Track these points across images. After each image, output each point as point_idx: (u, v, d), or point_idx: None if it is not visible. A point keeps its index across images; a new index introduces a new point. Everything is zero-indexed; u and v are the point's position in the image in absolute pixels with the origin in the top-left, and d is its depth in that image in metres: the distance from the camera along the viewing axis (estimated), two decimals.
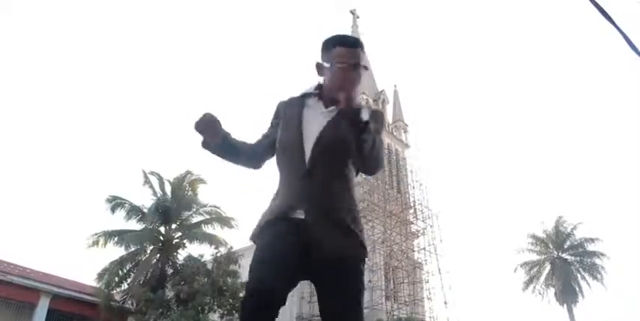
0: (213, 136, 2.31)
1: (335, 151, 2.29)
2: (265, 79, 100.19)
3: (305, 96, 2.47)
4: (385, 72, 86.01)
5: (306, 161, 2.27)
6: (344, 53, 2.32)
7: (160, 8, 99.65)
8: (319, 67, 2.42)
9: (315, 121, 2.34)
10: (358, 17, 50.65)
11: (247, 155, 2.48)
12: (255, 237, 2.32)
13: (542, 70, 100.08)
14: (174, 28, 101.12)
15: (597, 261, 36.11)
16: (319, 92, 2.43)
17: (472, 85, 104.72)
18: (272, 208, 2.32)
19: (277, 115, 2.53)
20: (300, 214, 2.22)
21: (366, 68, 2.34)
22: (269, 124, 2.57)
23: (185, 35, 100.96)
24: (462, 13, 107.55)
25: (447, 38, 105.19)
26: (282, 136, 2.40)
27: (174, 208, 24.33)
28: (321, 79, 2.45)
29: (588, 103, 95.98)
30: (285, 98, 2.56)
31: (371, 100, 42.27)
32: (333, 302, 2.17)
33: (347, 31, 47.92)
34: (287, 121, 2.42)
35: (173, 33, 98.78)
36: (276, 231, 2.21)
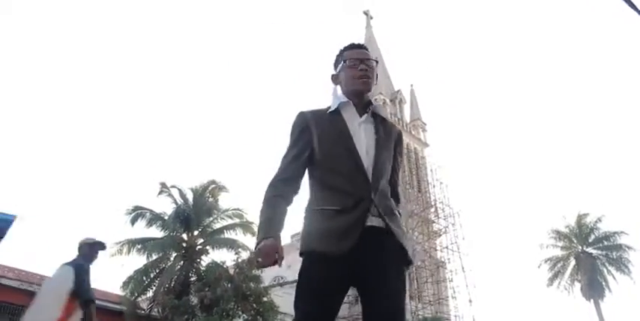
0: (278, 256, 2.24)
1: (388, 168, 2.52)
2: (279, 80, 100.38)
3: (340, 108, 2.56)
4: (401, 72, 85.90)
5: (368, 175, 2.38)
6: (351, 53, 2.66)
7: (168, 10, 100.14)
8: (334, 78, 2.74)
9: (356, 134, 2.48)
10: (372, 18, 50.75)
11: (290, 199, 2.49)
12: (308, 248, 2.35)
13: (561, 65, 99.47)
14: (188, 33, 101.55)
15: (624, 254, 35.71)
16: (348, 101, 2.58)
17: (490, 82, 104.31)
18: (336, 227, 2.30)
19: (305, 129, 2.54)
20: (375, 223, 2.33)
21: (376, 62, 2.68)
22: (294, 140, 2.56)
23: (199, 42, 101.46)
24: (477, 11, 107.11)
25: (463, 36, 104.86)
26: (332, 150, 2.46)
27: (196, 215, 24.41)
28: (338, 89, 2.70)
29: (607, 96, 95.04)
30: (307, 110, 2.64)
31: (388, 100, 42.22)
32: (382, 304, 2.24)
33: (361, 32, 47.98)
34: (330, 136, 2.48)
35: (190, 40, 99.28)
36: (330, 264, 2.25)
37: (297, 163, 2.49)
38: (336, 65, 2.72)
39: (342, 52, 2.70)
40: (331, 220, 2.31)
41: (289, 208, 2.46)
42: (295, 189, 2.49)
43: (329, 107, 2.59)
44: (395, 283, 2.28)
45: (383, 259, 2.28)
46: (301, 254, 2.34)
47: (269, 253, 2.20)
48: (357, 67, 2.59)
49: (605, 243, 36.50)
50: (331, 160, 2.43)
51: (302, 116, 2.60)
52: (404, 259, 2.37)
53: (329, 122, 2.51)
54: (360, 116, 2.54)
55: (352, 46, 2.71)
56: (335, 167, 2.42)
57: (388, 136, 2.57)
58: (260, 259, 2.22)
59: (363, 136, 2.47)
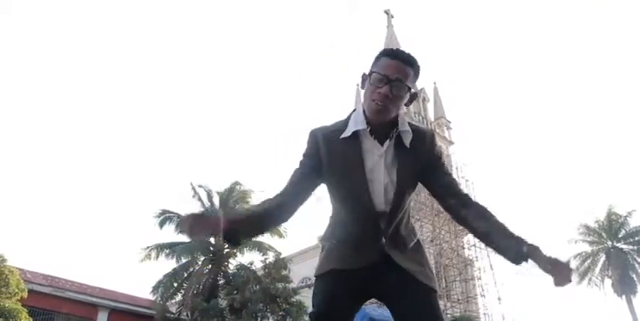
0: (212, 226, 1.95)
1: (406, 203, 2.24)
2: (303, 81, 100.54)
3: (357, 134, 2.16)
4: (424, 70, 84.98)
5: (377, 211, 2.16)
6: (386, 64, 2.09)
7: (184, 9, 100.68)
8: (363, 79, 2.17)
9: (375, 170, 2.15)
10: (393, 17, 50.46)
11: (282, 212, 2.19)
12: (317, 272, 2.32)
13: (589, 57, 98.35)
14: (203, 32, 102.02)
15: None
16: (365, 129, 2.14)
17: (514, 77, 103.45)
18: (338, 257, 2.26)
19: (316, 151, 2.21)
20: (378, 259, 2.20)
21: (409, 89, 2.09)
22: (303, 160, 2.26)
23: (219, 42, 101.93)
24: (501, 7, 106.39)
25: (486, 32, 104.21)
26: (343, 187, 2.21)
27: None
28: (361, 94, 2.22)
29: (633, 87, 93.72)
30: (320, 127, 2.27)
31: None
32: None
33: (382, 32, 47.87)
34: (342, 169, 2.16)
35: (218, 42, 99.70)
36: (342, 282, 2.21)
37: (305, 182, 2.22)
38: (371, 67, 2.14)
39: (379, 56, 2.14)
40: (341, 253, 2.26)
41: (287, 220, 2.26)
42: (287, 211, 2.20)
43: (345, 122, 2.21)
44: (424, 307, 2.18)
45: (396, 287, 2.20)
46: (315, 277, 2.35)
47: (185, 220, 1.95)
48: (381, 87, 2.04)
49: (637, 238, 35.96)
50: (343, 198, 2.25)
51: (313, 138, 2.23)
52: (419, 284, 2.20)
53: (341, 151, 2.16)
54: (382, 144, 2.15)
55: (389, 53, 2.12)
56: (347, 205, 2.24)
57: (415, 160, 2.18)
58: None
59: (382, 172, 2.15)
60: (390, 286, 2.20)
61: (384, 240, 2.19)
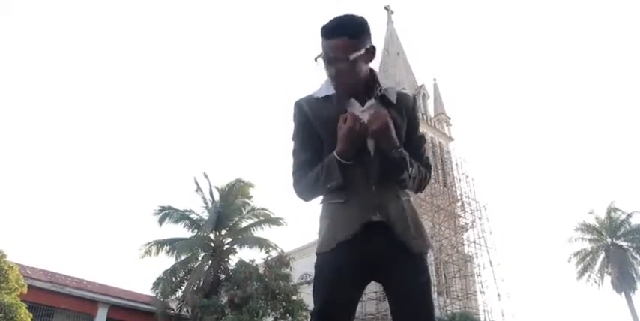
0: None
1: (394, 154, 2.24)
2: (298, 79, 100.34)
3: (331, 97, 2.28)
4: (424, 66, 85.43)
5: (367, 168, 2.22)
6: (324, 45, 2.17)
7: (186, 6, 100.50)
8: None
9: None
10: (393, 13, 50.46)
11: None
12: (323, 249, 2.25)
13: (589, 53, 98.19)
14: (213, 30, 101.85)
15: None
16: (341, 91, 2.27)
17: (514, 73, 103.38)
18: (340, 219, 2.23)
19: (305, 118, 2.32)
20: (375, 219, 2.19)
21: (348, 59, 2.12)
22: (301, 135, 2.35)
23: (226, 39, 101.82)
24: (500, 3, 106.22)
25: (486, 28, 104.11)
26: (332, 143, 2.21)
27: (224, 214, 24.56)
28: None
29: (635, 87, 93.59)
30: (303, 98, 2.38)
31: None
32: (407, 298, 2.15)
33: (382, 28, 47.75)
34: (326, 125, 2.24)
35: (216, 36, 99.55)
36: (343, 253, 2.18)
37: (317, 154, 2.29)
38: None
39: (320, 37, 2.20)
40: (333, 217, 2.25)
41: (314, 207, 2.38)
42: None
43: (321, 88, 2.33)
44: (411, 280, 2.17)
45: (391, 255, 2.18)
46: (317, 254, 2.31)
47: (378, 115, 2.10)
48: (329, 66, 2.18)
49: (636, 235, 35.94)
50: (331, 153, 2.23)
51: (298, 107, 2.36)
52: (411, 251, 2.20)
53: (324, 113, 2.26)
54: (363, 104, 2.25)
55: (325, 34, 2.16)
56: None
57: (400, 116, 2.29)
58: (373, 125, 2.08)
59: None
60: (383, 258, 2.19)
61: (373, 188, 2.21)
